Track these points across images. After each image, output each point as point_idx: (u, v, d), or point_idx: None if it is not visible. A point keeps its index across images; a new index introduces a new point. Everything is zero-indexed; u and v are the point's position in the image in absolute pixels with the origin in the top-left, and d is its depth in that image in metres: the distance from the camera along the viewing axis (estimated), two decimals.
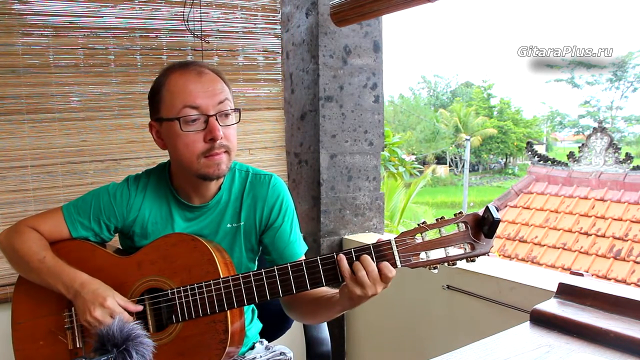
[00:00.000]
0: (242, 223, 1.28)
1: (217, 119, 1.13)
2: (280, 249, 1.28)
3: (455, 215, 1.05)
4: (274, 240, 1.28)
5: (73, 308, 1.20)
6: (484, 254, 1.04)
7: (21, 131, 1.87)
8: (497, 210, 1.00)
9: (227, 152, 1.16)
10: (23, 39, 1.86)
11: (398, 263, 1.05)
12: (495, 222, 0.99)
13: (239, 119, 1.20)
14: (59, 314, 1.21)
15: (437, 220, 1.06)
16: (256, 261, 1.35)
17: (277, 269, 1.10)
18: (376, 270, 1.04)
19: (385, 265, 1.04)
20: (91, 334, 1.12)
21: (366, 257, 1.05)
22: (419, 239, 1.05)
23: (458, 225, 1.05)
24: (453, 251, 1.05)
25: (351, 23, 2.10)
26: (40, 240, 1.23)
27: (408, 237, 1.05)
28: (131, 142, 2.04)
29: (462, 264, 1.06)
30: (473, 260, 1.05)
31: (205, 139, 1.13)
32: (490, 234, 1.02)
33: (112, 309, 1.10)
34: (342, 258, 1.05)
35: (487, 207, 1.01)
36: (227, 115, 1.16)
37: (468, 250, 1.04)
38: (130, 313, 1.13)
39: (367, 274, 1.04)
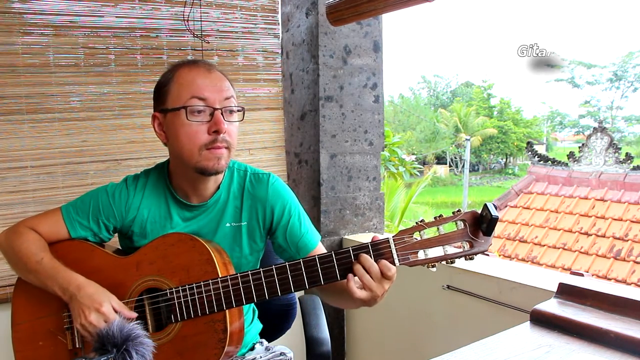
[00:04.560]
0: (244, 223, 1.28)
1: (222, 113, 1.15)
2: (294, 244, 1.28)
3: (453, 213, 1.05)
4: (287, 238, 1.28)
5: None
6: (482, 252, 1.04)
7: (21, 131, 1.86)
8: (496, 208, 1.00)
9: (228, 148, 1.18)
10: (23, 38, 1.85)
11: (396, 261, 1.05)
12: (494, 220, 0.99)
13: (242, 118, 1.22)
14: (58, 314, 1.21)
15: (435, 218, 1.06)
16: (258, 262, 1.35)
17: (274, 268, 1.10)
18: (377, 268, 1.04)
19: (384, 263, 1.04)
20: (86, 337, 1.12)
21: (366, 257, 1.05)
22: (417, 237, 1.05)
23: (456, 224, 1.05)
24: (451, 249, 1.05)
25: (348, 22, 2.09)
26: (39, 242, 1.22)
27: (406, 236, 1.05)
28: (132, 142, 2.03)
29: (461, 264, 1.06)
30: (472, 258, 1.05)
31: (209, 130, 1.14)
32: (488, 232, 1.02)
33: (107, 315, 1.10)
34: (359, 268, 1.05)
35: (485, 205, 1.01)
36: (231, 112, 1.18)
37: (467, 248, 1.04)
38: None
39: (370, 274, 1.04)
